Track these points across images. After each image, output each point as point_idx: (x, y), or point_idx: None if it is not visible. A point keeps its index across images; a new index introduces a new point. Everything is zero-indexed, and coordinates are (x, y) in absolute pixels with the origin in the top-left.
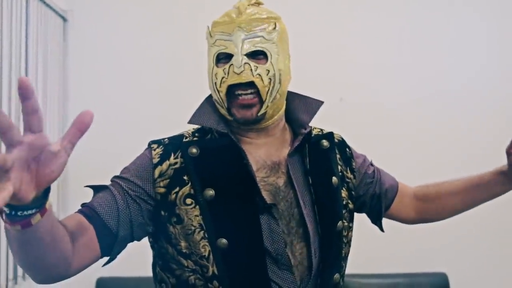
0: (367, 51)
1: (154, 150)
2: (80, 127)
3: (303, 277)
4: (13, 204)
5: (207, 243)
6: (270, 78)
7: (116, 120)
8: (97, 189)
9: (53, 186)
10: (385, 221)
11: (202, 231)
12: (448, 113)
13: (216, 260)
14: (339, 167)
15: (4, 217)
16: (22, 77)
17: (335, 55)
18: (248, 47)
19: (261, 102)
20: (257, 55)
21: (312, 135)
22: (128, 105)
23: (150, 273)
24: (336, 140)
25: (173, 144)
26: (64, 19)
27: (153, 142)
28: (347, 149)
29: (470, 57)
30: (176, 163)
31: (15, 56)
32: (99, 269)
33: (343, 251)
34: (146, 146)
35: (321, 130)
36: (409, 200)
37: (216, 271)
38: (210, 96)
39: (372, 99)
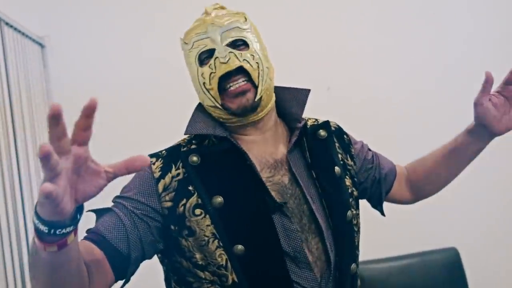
0: (356, 40)
1: (154, 164)
2: (129, 166)
3: (322, 272)
4: (51, 222)
5: (223, 252)
6: (257, 62)
7: (101, 140)
8: (100, 212)
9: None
10: (388, 205)
11: (216, 240)
12: (442, 103)
13: (234, 267)
14: (340, 156)
15: (40, 239)
16: (92, 101)
17: (323, 44)
18: (228, 38)
19: (255, 87)
20: (238, 45)
21: (308, 127)
22: (111, 126)
23: None
24: (333, 128)
25: (172, 155)
26: (42, 46)
27: (151, 156)
28: (345, 136)
29: (460, 46)
30: (178, 174)
31: None
32: None
33: (355, 240)
34: None
35: (316, 120)
36: (404, 181)
37: (236, 279)
38: (199, 105)
39: (361, 89)
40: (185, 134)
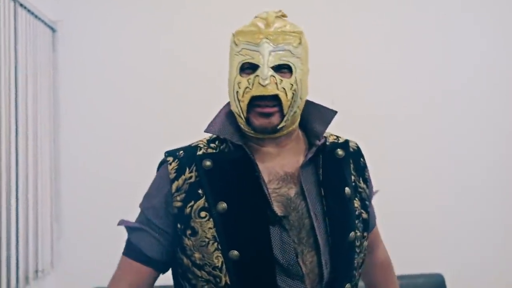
0: (360, 54)
1: (170, 164)
2: None
3: (313, 285)
4: None
5: (220, 254)
6: (293, 93)
7: (107, 130)
8: (133, 229)
9: (47, 180)
10: (381, 221)
11: (216, 243)
12: (445, 117)
13: (228, 270)
14: (352, 177)
15: None
16: None
17: (329, 57)
18: (275, 60)
19: (282, 115)
20: (282, 69)
21: (328, 143)
22: (119, 115)
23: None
24: (351, 149)
25: (188, 158)
26: (53, 30)
27: (169, 154)
28: (361, 159)
29: (467, 62)
30: (191, 177)
31: (4, 68)
32: (93, 278)
33: (355, 261)
34: (136, 155)
35: (337, 137)
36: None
37: (228, 281)
38: (227, 105)
39: (366, 103)
40: (205, 131)
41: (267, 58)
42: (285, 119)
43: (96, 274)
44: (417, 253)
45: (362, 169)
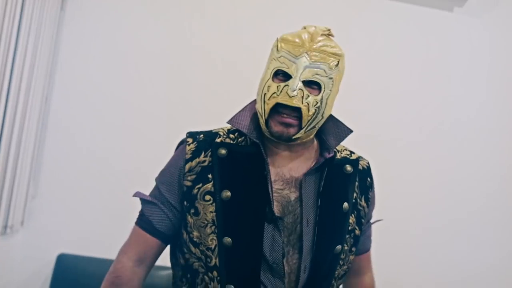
0: (365, 78)
1: (189, 145)
2: None
3: (291, 285)
4: None
5: (215, 238)
6: (316, 110)
7: (98, 100)
8: (147, 202)
9: (31, 139)
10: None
11: (213, 227)
12: (450, 143)
13: (219, 254)
14: (354, 194)
15: None
16: None
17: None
18: (307, 75)
19: (300, 127)
20: (312, 85)
21: (337, 157)
22: (112, 87)
23: (109, 256)
24: (360, 167)
25: (206, 142)
26: (61, 8)
27: (190, 135)
28: (369, 178)
29: (473, 89)
30: (204, 161)
31: (8, 19)
32: (61, 244)
33: (336, 272)
34: (121, 129)
35: (351, 153)
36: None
37: (217, 263)
38: (253, 102)
39: (370, 128)
40: (227, 123)
41: (300, 72)
42: (301, 131)
43: (64, 239)
44: (387, 275)
45: (366, 188)
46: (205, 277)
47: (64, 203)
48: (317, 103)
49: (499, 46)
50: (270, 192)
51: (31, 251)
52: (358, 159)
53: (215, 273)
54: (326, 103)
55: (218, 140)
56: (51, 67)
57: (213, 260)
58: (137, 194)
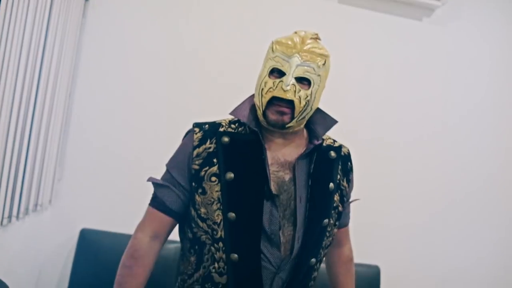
0: (362, 82)
1: (196, 134)
2: None
3: (286, 254)
4: None
5: (220, 213)
6: (306, 102)
7: (119, 93)
8: (159, 185)
9: (57, 128)
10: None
11: (219, 204)
12: (446, 147)
13: (224, 227)
14: (338, 176)
15: None
16: None
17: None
18: (299, 72)
19: (292, 116)
20: (303, 80)
21: (324, 145)
22: (132, 81)
23: (125, 231)
24: (342, 153)
25: (211, 131)
26: None
27: (196, 125)
28: (349, 163)
29: (471, 92)
30: (210, 147)
31: (37, 26)
32: (84, 220)
33: (323, 242)
34: (141, 121)
35: (334, 141)
36: (336, 250)
37: (222, 235)
38: (252, 96)
39: (363, 131)
40: (230, 114)
41: (293, 69)
42: (294, 120)
43: (86, 216)
44: (359, 246)
45: (348, 171)
46: (212, 247)
47: (86, 185)
48: (307, 96)
49: (461, 51)
50: (268, 174)
51: (58, 226)
52: (340, 146)
53: (220, 244)
54: (314, 97)
55: (221, 129)
56: (74, 68)
57: (219, 233)
58: (150, 179)
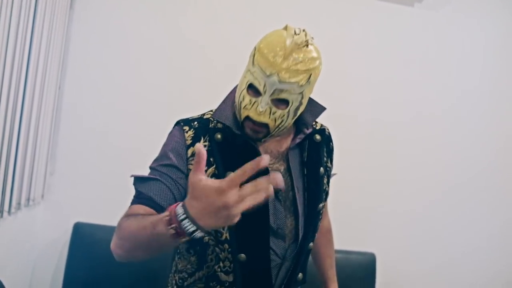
0: (358, 64)
1: (187, 132)
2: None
3: (290, 243)
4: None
5: None
6: (282, 120)
7: (108, 85)
8: (145, 179)
9: (48, 122)
10: (330, 202)
11: None
12: (439, 130)
13: (229, 228)
14: (324, 158)
15: (181, 235)
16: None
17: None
18: (276, 95)
19: (267, 133)
20: (280, 101)
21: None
22: (121, 74)
23: None
24: (326, 135)
25: (202, 129)
26: None
27: (184, 123)
28: (331, 143)
29: (467, 74)
30: (205, 146)
31: (23, 19)
32: (77, 214)
33: (318, 225)
34: (133, 112)
35: (315, 123)
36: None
37: (228, 237)
38: (233, 91)
39: (362, 113)
40: (212, 117)
41: (269, 92)
42: (270, 135)
43: (79, 210)
44: (355, 233)
45: (330, 152)
46: (216, 248)
47: (78, 178)
48: (284, 115)
49: (453, 36)
50: (268, 169)
51: (51, 220)
52: (323, 128)
53: (226, 245)
54: (294, 111)
55: (211, 125)
56: (63, 60)
57: (224, 235)
58: (132, 176)
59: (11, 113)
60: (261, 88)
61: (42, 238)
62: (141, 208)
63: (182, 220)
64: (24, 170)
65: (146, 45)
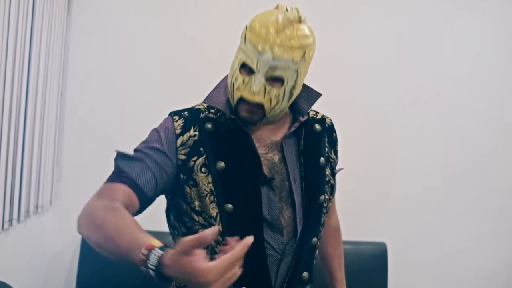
0: (356, 50)
1: (176, 121)
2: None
3: (289, 237)
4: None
5: (215, 206)
6: (277, 100)
7: (110, 86)
8: (129, 158)
9: (52, 128)
10: (337, 197)
11: (212, 196)
12: (440, 115)
13: (222, 220)
14: (326, 149)
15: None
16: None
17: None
18: (270, 72)
19: (264, 114)
20: (275, 79)
21: (308, 119)
22: (123, 75)
23: None
24: (326, 125)
25: (192, 118)
26: None
27: (175, 113)
28: (334, 134)
29: (467, 58)
30: (195, 135)
31: (21, 24)
32: None
33: (322, 220)
34: (135, 113)
35: (316, 113)
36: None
37: (221, 229)
38: (226, 78)
39: (360, 99)
40: (203, 102)
41: (264, 68)
42: (265, 117)
43: None
44: (365, 222)
45: (334, 143)
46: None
47: (85, 184)
48: (279, 94)
49: (451, 19)
50: (259, 158)
51: (61, 226)
52: (323, 118)
53: (219, 238)
54: (290, 91)
55: (202, 115)
56: (63, 66)
57: (217, 228)
58: (117, 153)
59: (14, 122)
60: (254, 66)
61: (52, 245)
62: (120, 189)
63: (153, 270)
64: (31, 178)
65: (145, 47)
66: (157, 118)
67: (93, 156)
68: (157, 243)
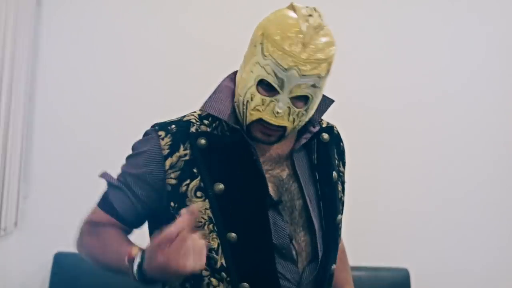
0: (359, 50)
1: (163, 139)
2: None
3: (304, 264)
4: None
5: (216, 236)
6: (300, 120)
7: (82, 96)
8: (112, 186)
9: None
10: (349, 214)
11: (212, 224)
12: (443, 116)
13: (225, 252)
14: (336, 161)
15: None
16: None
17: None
18: (296, 91)
19: (282, 136)
20: (299, 98)
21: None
22: (95, 80)
23: None
24: (334, 134)
25: (181, 133)
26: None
27: (160, 128)
28: (341, 143)
29: (467, 59)
30: (186, 154)
31: None
32: (57, 243)
33: (338, 243)
34: (111, 123)
35: (321, 121)
36: None
37: (224, 263)
38: (225, 82)
39: (363, 100)
40: (200, 109)
41: (290, 88)
42: (284, 138)
43: (59, 238)
44: (384, 247)
45: (342, 153)
46: (212, 279)
47: (57, 201)
48: (303, 114)
49: (450, 19)
50: (265, 177)
51: (27, 251)
52: (331, 126)
53: (223, 274)
54: (313, 107)
55: (193, 129)
56: (32, 65)
57: (219, 261)
58: (103, 175)
59: None
60: (277, 85)
61: (18, 272)
62: (105, 216)
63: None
64: None
65: (126, 44)
66: (141, 130)
67: (66, 170)
68: (135, 251)
